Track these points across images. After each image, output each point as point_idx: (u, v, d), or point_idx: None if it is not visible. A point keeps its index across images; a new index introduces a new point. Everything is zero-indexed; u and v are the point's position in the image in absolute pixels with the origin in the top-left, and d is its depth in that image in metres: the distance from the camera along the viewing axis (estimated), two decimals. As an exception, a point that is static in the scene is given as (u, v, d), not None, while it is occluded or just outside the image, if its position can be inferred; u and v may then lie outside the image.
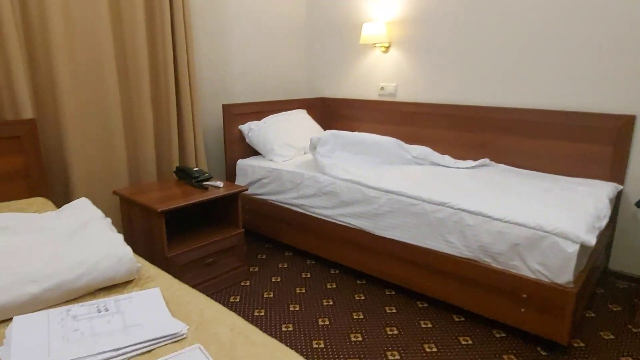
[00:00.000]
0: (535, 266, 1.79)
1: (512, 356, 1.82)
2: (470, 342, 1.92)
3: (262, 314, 2.14)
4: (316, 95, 3.80)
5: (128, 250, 1.41)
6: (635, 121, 2.29)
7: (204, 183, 2.39)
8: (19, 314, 1.15)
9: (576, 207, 1.89)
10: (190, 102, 2.80)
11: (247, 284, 2.44)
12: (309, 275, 2.53)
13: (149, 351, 1.04)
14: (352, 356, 1.82)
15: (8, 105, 2.10)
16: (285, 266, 2.65)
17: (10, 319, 1.15)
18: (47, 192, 2.19)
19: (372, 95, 3.40)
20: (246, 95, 3.35)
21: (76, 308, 1.19)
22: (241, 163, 3.00)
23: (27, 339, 1.04)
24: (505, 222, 1.85)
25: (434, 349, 1.87)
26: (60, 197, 2.39)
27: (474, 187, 2.20)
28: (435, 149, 2.92)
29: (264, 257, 2.79)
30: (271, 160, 2.92)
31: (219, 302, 1.94)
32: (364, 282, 2.45)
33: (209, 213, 2.61)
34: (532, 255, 1.79)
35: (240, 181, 3.00)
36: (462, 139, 2.90)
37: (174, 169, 2.61)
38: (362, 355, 1.82)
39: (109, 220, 1.66)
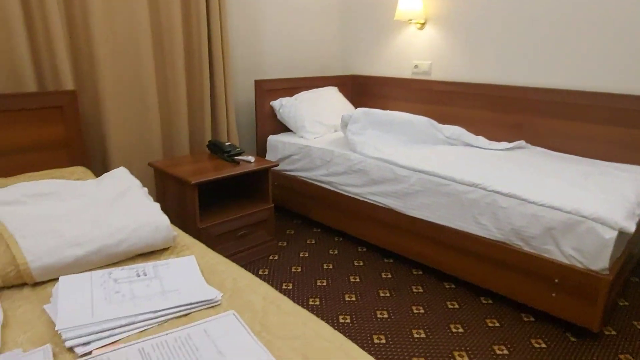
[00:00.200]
0: (569, 251, 1.75)
1: (540, 341, 1.81)
2: (497, 324, 1.91)
3: (290, 287, 2.19)
4: (348, 72, 3.76)
5: (165, 218, 1.45)
6: (685, 105, 2.17)
7: (236, 157, 2.42)
8: (65, 275, 1.21)
9: (615, 193, 1.82)
10: (223, 77, 2.82)
11: (276, 258, 2.49)
12: (336, 252, 2.56)
13: (186, 315, 1.08)
14: (377, 332, 1.85)
15: (50, 76, 2.16)
16: (313, 242, 2.69)
17: (56, 279, 1.22)
18: (86, 162, 2.27)
19: (406, 73, 3.34)
20: (278, 71, 3.34)
21: (117, 271, 1.24)
22: (272, 139, 3.02)
23: (72, 298, 1.10)
24: (540, 205, 1.81)
25: (460, 330, 1.87)
26: (99, 166, 2.47)
27: (508, 169, 2.15)
28: (469, 130, 2.85)
29: (293, 232, 2.83)
30: (302, 137, 2.93)
31: (249, 274, 1.99)
32: (391, 260, 2.46)
33: (240, 187, 2.66)
34: (567, 240, 1.75)
35: (270, 157, 3.02)
36: (498, 119, 2.83)
37: (207, 143, 2.65)
38: (387, 332, 1.85)
39: (145, 189, 1.72)
